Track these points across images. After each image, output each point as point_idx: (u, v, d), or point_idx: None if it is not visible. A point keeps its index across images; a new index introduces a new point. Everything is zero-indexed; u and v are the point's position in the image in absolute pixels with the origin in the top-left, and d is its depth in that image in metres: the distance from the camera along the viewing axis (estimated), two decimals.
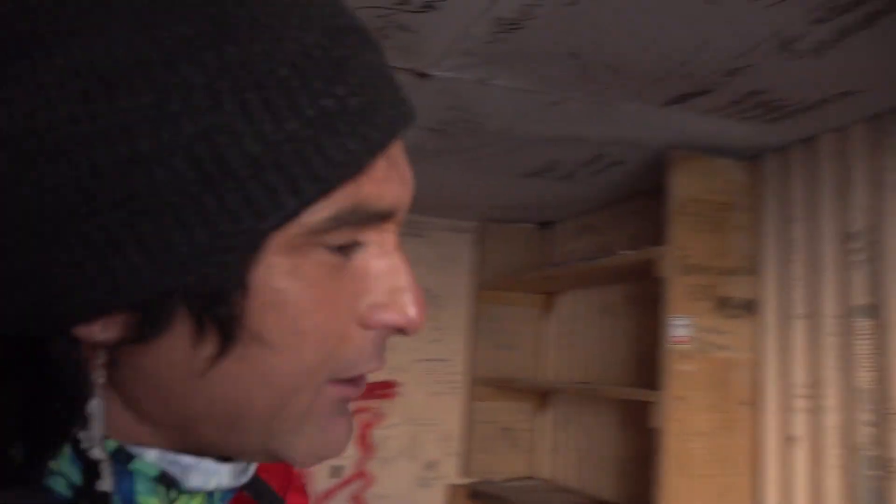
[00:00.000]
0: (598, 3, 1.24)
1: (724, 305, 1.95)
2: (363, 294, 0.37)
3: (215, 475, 0.39)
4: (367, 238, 0.37)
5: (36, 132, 0.30)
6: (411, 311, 0.38)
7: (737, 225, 2.00)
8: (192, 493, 0.39)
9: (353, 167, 0.33)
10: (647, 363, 2.23)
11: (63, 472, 0.36)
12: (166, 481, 0.37)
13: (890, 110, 1.69)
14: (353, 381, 0.40)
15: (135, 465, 0.37)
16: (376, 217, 0.36)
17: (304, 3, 0.34)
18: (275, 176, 0.31)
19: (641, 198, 2.43)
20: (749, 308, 1.98)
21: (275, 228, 0.32)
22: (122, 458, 0.37)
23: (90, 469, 0.35)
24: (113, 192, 0.30)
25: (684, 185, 1.94)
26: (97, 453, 0.35)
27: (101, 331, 0.34)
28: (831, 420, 1.76)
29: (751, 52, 1.40)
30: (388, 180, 0.36)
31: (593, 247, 2.67)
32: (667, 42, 1.38)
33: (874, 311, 1.70)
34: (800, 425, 1.84)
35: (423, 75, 1.56)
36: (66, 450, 0.35)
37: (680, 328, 1.88)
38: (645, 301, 2.37)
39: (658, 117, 1.78)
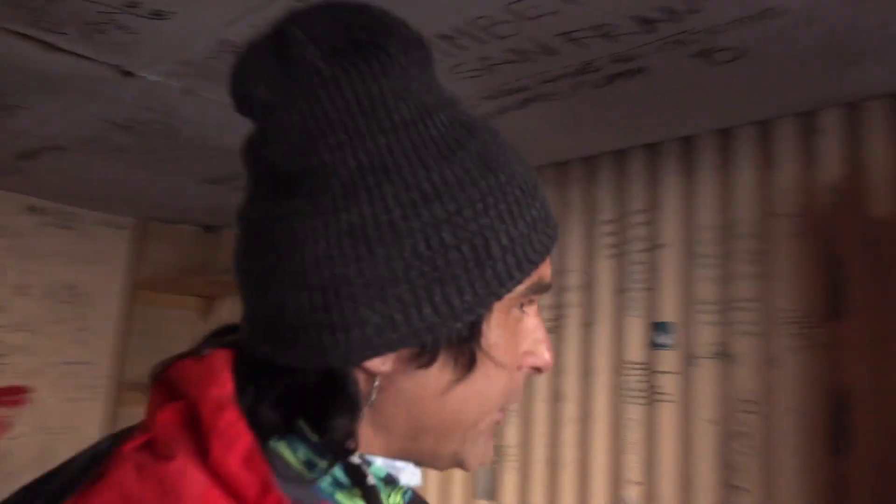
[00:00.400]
0: None
1: None
2: (520, 344, 0.54)
3: (414, 475, 0.53)
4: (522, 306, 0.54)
5: (382, 225, 0.46)
6: (548, 356, 0.55)
7: None
8: (398, 490, 0.53)
9: (545, 254, 0.52)
10: None
11: (332, 473, 0.47)
12: (388, 480, 0.50)
13: None
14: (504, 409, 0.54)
15: (371, 469, 0.49)
16: (544, 288, 0.54)
17: (511, 144, 0.51)
18: (512, 259, 0.49)
19: None
20: None
21: (508, 292, 0.49)
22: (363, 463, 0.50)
23: (353, 471, 0.47)
24: (424, 267, 0.46)
25: None
26: (356, 459, 0.47)
27: (382, 363, 0.47)
28: None
29: None
30: (548, 264, 0.54)
31: None
32: None
33: None
34: None
35: (127, 73, 1.52)
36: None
37: None
38: None
39: None
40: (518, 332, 0.54)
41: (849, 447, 1.46)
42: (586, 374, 1.90)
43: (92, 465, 0.49)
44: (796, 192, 1.62)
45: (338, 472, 0.48)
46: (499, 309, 0.51)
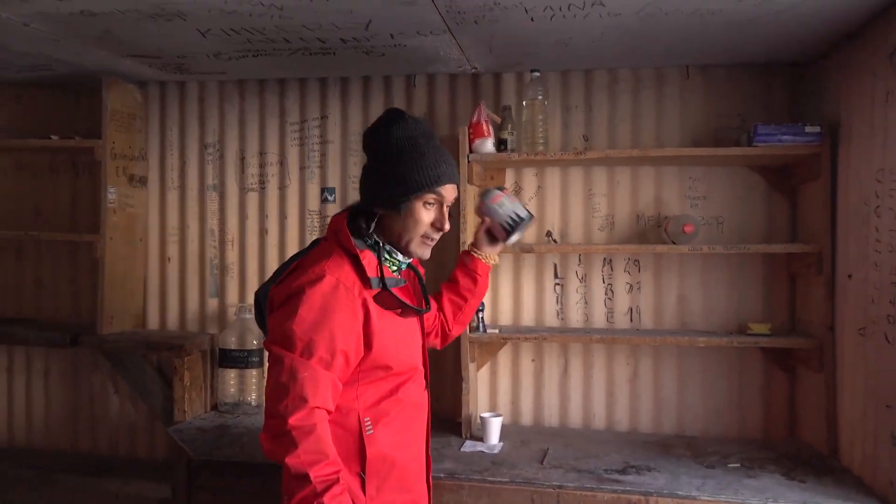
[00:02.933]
0: None
1: (132, 180, 3.09)
2: (421, 215, 1.73)
3: (403, 258, 1.80)
4: (427, 203, 1.74)
5: (396, 175, 1.70)
6: (424, 227, 1.75)
7: (137, 129, 3.13)
8: (395, 263, 1.78)
9: (421, 191, 1.71)
10: (86, 215, 3.24)
11: (369, 244, 1.77)
12: (393, 257, 1.79)
13: (232, 81, 3.13)
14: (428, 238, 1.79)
15: (385, 248, 1.77)
16: (436, 201, 1.75)
17: (435, 149, 1.76)
18: (412, 187, 1.70)
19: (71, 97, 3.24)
20: (143, 182, 3.17)
21: (411, 198, 1.71)
22: (381, 246, 1.77)
23: (377, 247, 1.77)
24: (399, 188, 1.70)
25: (113, 99, 2.95)
26: (379, 241, 1.77)
27: (384, 210, 1.75)
28: (193, 247, 3.19)
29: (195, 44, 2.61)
30: (446, 192, 1.77)
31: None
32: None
33: (218, 187, 3.17)
34: (172, 251, 3.20)
35: None
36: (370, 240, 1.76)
37: (111, 194, 2.95)
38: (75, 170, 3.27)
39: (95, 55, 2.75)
40: (419, 210, 1.71)
41: None
42: (282, 217, 3.11)
43: (309, 248, 1.76)
44: None
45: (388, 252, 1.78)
46: (416, 201, 1.70)
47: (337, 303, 1.64)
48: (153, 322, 3.23)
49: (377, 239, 1.76)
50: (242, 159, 3.17)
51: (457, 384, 2.76)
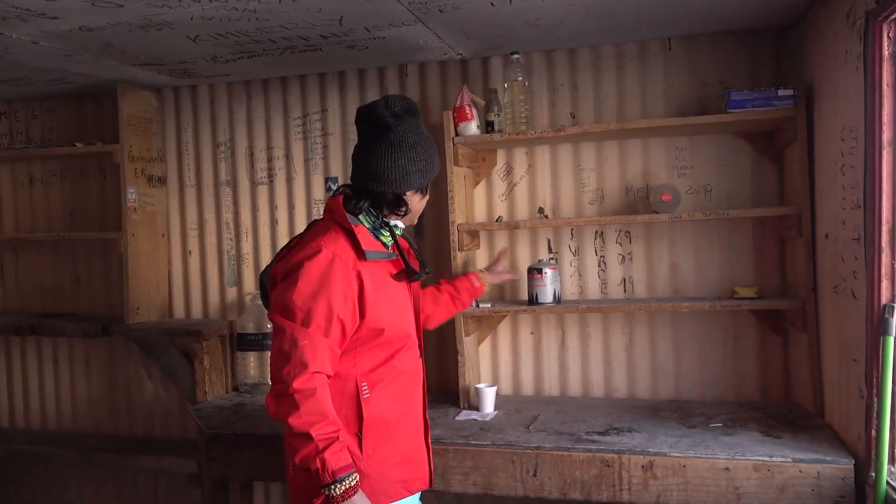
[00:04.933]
0: None
1: (151, 180, 3.32)
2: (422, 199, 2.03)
3: (401, 226, 2.01)
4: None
5: (415, 159, 1.92)
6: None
7: (154, 132, 3.35)
8: (397, 229, 1.99)
9: (430, 178, 1.99)
10: (113, 215, 3.49)
11: (375, 224, 1.95)
12: (389, 228, 1.97)
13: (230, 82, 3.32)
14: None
15: (386, 222, 1.97)
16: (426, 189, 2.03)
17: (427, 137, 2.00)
18: (426, 176, 1.97)
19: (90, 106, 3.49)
20: (163, 181, 3.40)
21: (426, 182, 2.00)
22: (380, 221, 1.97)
23: (388, 226, 1.97)
24: (422, 170, 1.95)
25: (128, 105, 3.18)
26: (391, 222, 1.98)
27: (412, 193, 1.97)
28: (211, 240, 3.40)
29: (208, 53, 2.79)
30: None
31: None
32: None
33: (231, 182, 3.37)
34: (193, 244, 3.42)
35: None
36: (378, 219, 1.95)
37: (130, 194, 3.18)
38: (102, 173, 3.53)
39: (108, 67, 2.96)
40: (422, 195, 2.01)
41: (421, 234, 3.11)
42: (290, 207, 3.29)
43: (307, 229, 1.97)
44: None
45: (382, 226, 1.92)
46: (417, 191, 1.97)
47: (333, 274, 1.80)
48: (179, 311, 3.46)
49: (376, 214, 1.94)
50: (251, 155, 3.36)
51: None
